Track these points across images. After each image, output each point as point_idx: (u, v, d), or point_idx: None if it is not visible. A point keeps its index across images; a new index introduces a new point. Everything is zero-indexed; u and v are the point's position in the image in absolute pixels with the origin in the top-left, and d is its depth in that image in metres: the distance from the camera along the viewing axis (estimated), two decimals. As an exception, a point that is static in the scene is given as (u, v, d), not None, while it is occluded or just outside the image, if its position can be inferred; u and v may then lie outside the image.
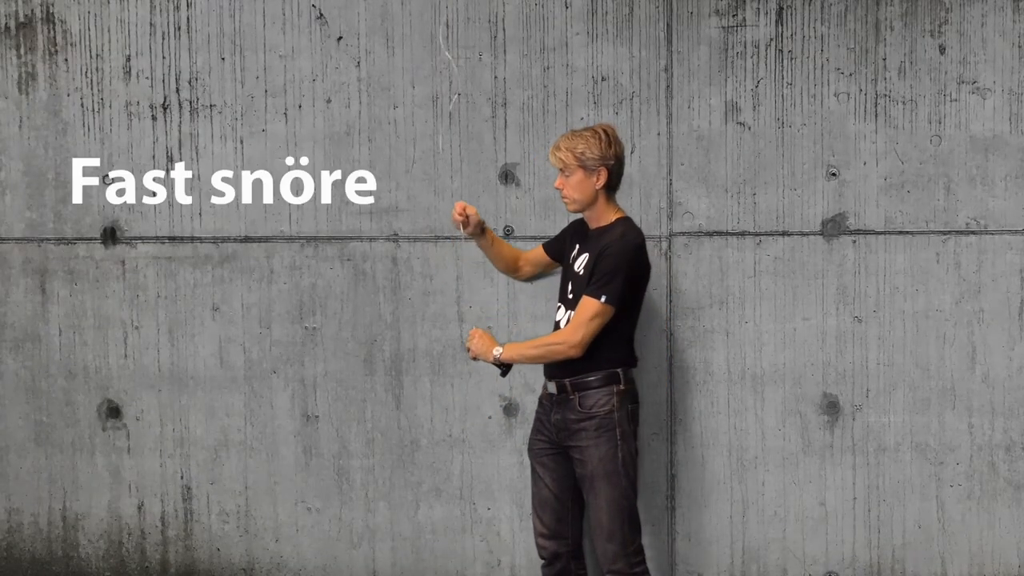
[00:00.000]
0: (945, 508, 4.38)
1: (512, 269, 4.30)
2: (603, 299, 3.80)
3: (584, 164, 3.88)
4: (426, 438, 4.52)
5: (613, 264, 3.81)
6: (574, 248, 4.02)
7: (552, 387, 3.98)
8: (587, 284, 3.85)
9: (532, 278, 4.36)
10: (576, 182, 3.90)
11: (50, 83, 4.57)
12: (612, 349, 3.90)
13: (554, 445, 3.99)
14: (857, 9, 4.33)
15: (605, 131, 3.91)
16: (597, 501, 3.88)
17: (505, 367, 3.98)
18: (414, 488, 4.54)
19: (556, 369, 3.95)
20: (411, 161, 4.48)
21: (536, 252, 4.27)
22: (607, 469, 3.86)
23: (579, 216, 4.06)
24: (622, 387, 3.91)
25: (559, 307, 4.02)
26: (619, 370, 3.91)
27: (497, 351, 3.92)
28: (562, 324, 3.94)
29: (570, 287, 3.97)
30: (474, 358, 3.99)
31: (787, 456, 4.40)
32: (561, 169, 3.92)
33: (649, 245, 4.41)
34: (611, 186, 3.93)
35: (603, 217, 3.95)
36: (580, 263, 3.94)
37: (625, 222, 3.94)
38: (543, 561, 4.08)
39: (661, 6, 4.37)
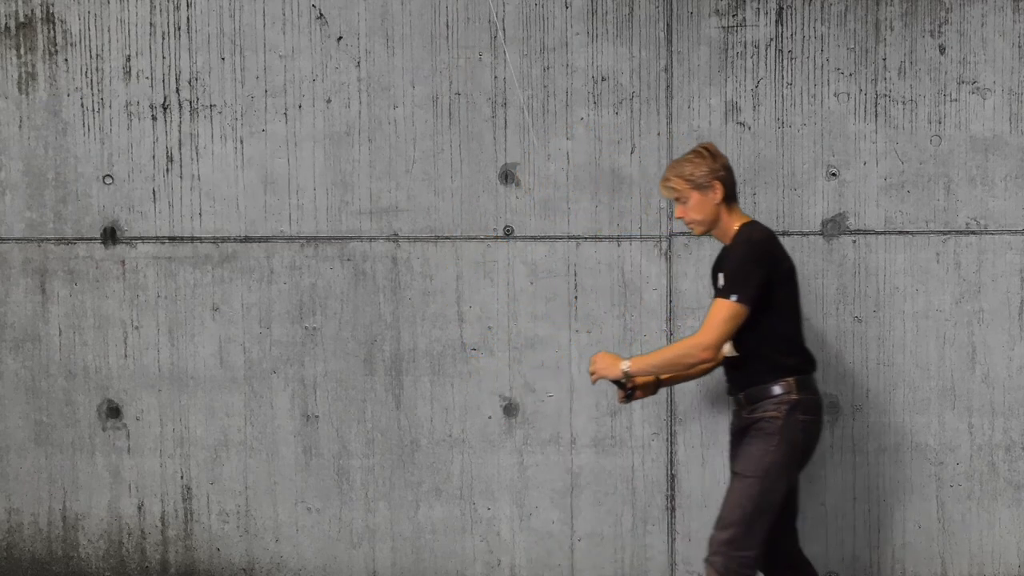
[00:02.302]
0: (945, 508, 4.38)
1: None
2: (733, 298, 3.69)
3: (696, 184, 3.80)
4: (426, 438, 4.52)
5: (740, 262, 3.73)
6: (716, 275, 3.89)
7: (732, 402, 3.91)
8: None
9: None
10: (695, 204, 3.82)
11: (50, 83, 4.58)
12: (781, 356, 3.79)
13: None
14: (857, 9, 4.33)
15: (705, 148, 3.86)
16: (728, 492, 3.78)
17: (630, 390, 3.89)
18: (414, 488, 4.54)
19: (733, 384, 3.87)
20: (411, 161, 4.49)
21: None
22: (746, 468, 3.75)
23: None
24: (795, 396, 3.75)
25: None
26: (792, 379, 3.76)
27: (625, 365, 3.81)
28: (725, 349, 3.83)
29: None
30: (595, 381, 3.90)
31: (787, 456, 4.40)
32: (677, 199, 3.85)
33: (649, 245, 4.42)
34: (729, 197, 3.84)
35: (729, 228, 3.85)
36: (721, 283, 3.82)
37: (749, 225, 3.84)
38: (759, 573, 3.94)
39: (661, 6, 4.37)
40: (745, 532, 3.72)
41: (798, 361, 3.80)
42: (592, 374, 3.88)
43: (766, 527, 3.75)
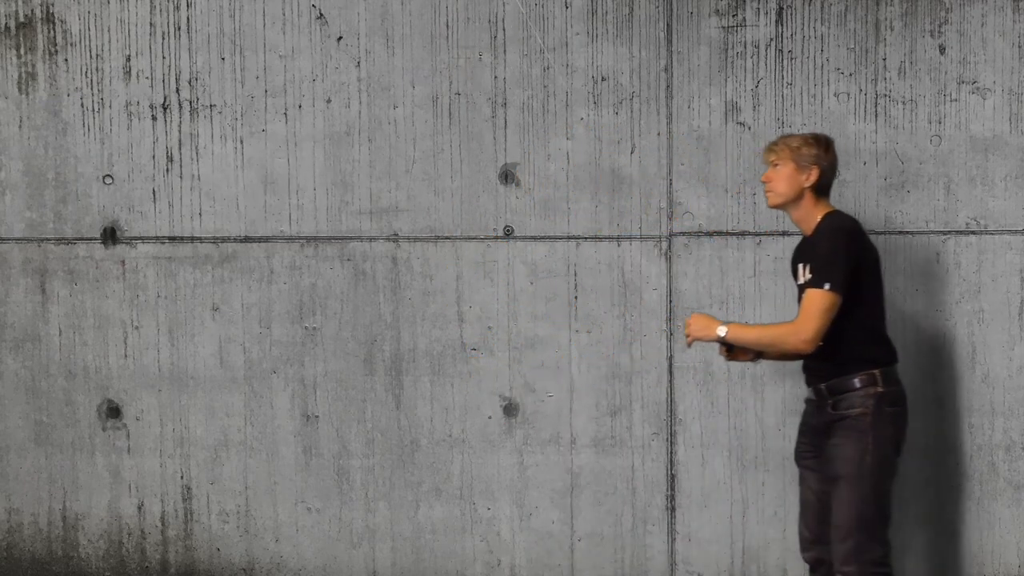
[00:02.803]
0: (945, 508, 4.38)
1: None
2: (827, 287, 3.65)
3: (797, 159, 3.79)
4: (426, 438, 4.52)
5: (828, 250, 3.70)
6: (797, 267, 3.90)
7: (811, 393, 3.87)
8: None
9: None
10: (786, 175, 3.81)
11: (50, 83, 4.58)
12: (866, 347, 3.76)
13: (816, 449, 3.87)
14: (857, 9, 4.33)
15: (824, 137, 3.86)
16: (837, 501, 3.75)
17: (730, 347, 3.86)
18: (414, 488, 4.54)
19: (813, 375, 3.84)
20: (411, 161, 4.49)
21: None
22: (849, 471, 3.71)
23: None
24: (880, 389, 3.72)
25: None
26: (876, 371, 3.74)
27: (722, 331, 3.78)
28: None
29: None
30: (690, 344, 3.88)
31: (787, 456, 4.39)
32: (773, 162, 3.84)
33: (649, 245, 4.42)
34: (819, 189, 3.82)
35: (811, 217, 3.83)
36: (806, 273, 3.80)
37: (834, 214, 3.83)
38: (808, 567, 3.95)
39: (661, 6, 4.37)
40: (868, 536, 3.71)
41: (882, 352, 3.78)
42: (687, 336, 3.85)
43: (887, 526, 3.75)
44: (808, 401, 3.92)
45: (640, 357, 4.43)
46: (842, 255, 3.68)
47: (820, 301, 3.67)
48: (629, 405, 4.43)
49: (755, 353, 3.92)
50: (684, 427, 4.44)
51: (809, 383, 3.88)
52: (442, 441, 4.52)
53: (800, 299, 3.80)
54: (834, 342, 3.74)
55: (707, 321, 3.83)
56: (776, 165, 3.83)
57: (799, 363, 4.38)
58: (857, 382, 3.73)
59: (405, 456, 4.53)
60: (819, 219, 3.81)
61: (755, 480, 4.42)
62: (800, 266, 3.83)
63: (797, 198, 3.82)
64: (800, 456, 3.96)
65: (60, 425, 4.64)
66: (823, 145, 3.83)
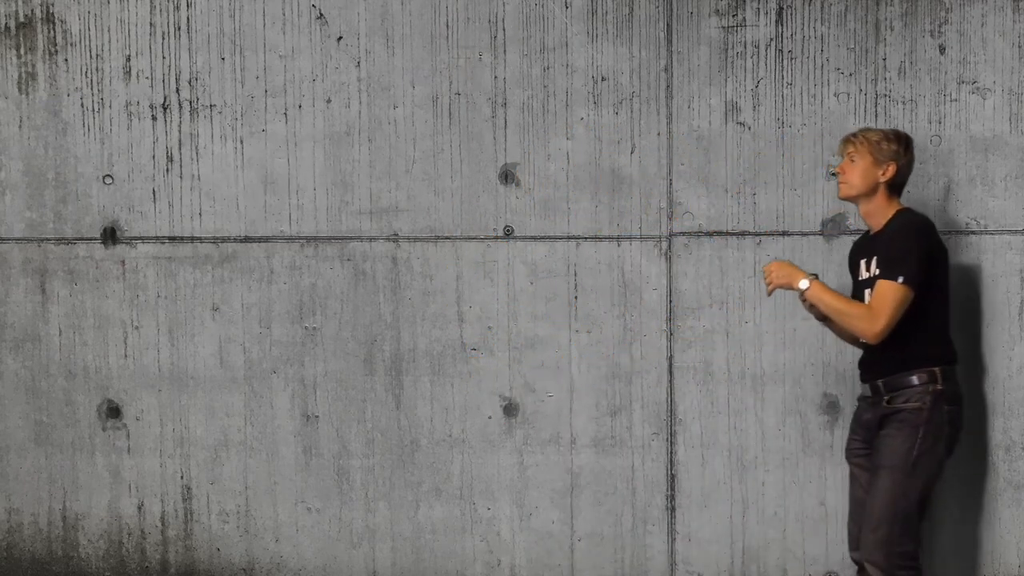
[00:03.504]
0: (945, 508, 4.38)
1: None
2: (900, 279, 3.66)
3: (875, 153, 3.80)
4: (426, 438, 4.52)
5: (903, 243, 3.70)
6: (859, 263, 3.91)
7: (866, 389, 3.86)
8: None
9: None
10: (862, 168, 3.81)
11: (50, 83, 4.58)
12: (927, 344, 3.74)
13: (867, 445, 3.87)
14: (857, 9, 4.33)
15: (905, 135, 3.87)
16: (875, 489, 3.74)
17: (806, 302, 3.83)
18: (414, 488, 4.54)
19: (870, 371, 3.84)
20: (411, 161, 4.49)
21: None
22: (893, 462, 3.70)
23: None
24: (939, 387, 3.72)
25: None
26: (936, 369, 3.73)
27: (804, 284, 3.74)
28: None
29: (867, 296, 3.84)
30: (771, 292, 3.84)
31: (787, 456, 4.40)
32: (850, 155, 3.84)
33: (649, 245, 4.42)
34: (894, 185, 3.84)
35: (881, 213, 3.84)
36: (872, 269, 3.81)
37: (907, 210, 3.83)
38: (856, 567, 3.93)
39: (661, 6, 4.37)
40: (901, 529, 3.69)
41: (944, 350, 3.78)
42: (768, 284, 3.82)
43: (920, 520, 3.73)
44: (862, 398, 3.92)
45: (640, 357, 4.43)
46: (916, 250, 3.69)
47: (893, 293, 3.67)
48: (629, 405, 4.43)
49: (821, 313, 3.90)
50: (684, 427, 4.44)
51: (865, 379, 3.87)
52: (442, 441, 4.52)
53: (857, 296, 3.83)
54: (897, 337, 3.72)
55: (790, 270, 3.79)
56: (853, 158, 3.83)
57: (799, 363, 4.38)
58: (916, 379, 3.73)
59: (405, 456, 4.53)
60: (891, 215, 3.82)
61: (755, 480, 4.42)
62: (863, 261, 3.84)
63: (871, 192, 3.83)
64: (851, 453, 3.96)
65: (60, 425, 4.64)
66: (903, 142, 3.84)
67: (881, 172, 3.82)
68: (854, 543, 3.92)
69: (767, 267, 3.85)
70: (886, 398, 3.77)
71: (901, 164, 3.83)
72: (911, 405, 3.72)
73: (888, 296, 3.67)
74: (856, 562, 3.92)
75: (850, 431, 4.00)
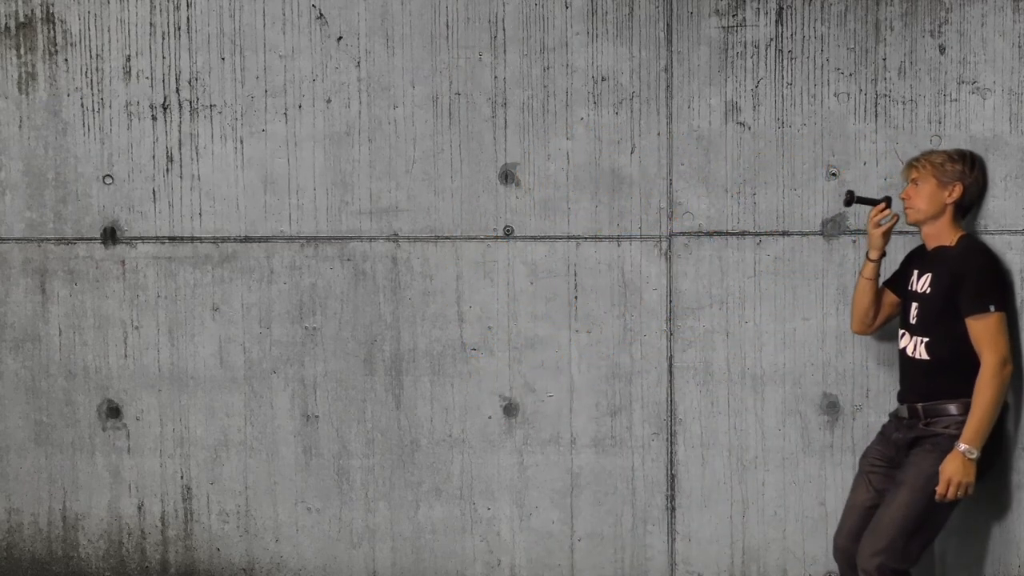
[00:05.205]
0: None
1: (870, 319, 4.06)
2: (992, 308, 3.69)
3: (939, 175, 3.81)
4: (426, 438, 4.52)
5: (982, 271, 3.74)
6: (911, 274, 3.92)
7: (902, 410, 3.87)
8: (945, 304, 3.72)
9: (882, 325, 4.12)
10: (928, 192, 3.83)
11: (50, 83, 4.58)
12: (974, 371, 3.73)
13: (888, 462, 3.88)
14: (857, 9, 4.33)
15: (971, 154, 3.89)
16: (891, 500, 3.74)
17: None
18: (414, 488, 4.54)
19: (912, 392, 3.84)
20: (411, 161, 4.49)
21: (884, 292, 4.07)
22: (917, 482, 3.71)
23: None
24: None
25: (903, 334, 3.93)
26: None
27: (973, 453, 3.66)
28: (908, 351, 3.86)
29: (914, 311, 3.86)
30: (957, 497, 3.70)
31: (787, 456, 4.40)
32: (914, 179, 3.85)
33: (649, 245, 4.42)
34: (962, 206, 3.85)
35: (945, 235, 3.85)
36: (924, 284, 3.83)
37: (971, 237, 3.87)
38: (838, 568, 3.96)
39: (661, 6, 4.37)
40: (904, 544, 3.70)
41: None
42: (962, 493, 3.69)
43: (924, 546, 3.73)
44: (896, 416, 3.92)
45: (640, 357, 4.43)
46: (995, 275, 3.78)
47: (992, 326, 3.70)
48: (629, 405, 4.43)
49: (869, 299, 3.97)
50: (684, 427, 4.44)
51: (903, 399, 3.86)
52: (442, 441, 4.52)
53: (912, 310, 3.84)
54: (945, 361, 3.75)
55: (956, 468, 3.64)
56: (917, 182, 3.84)
57: (799, 363, 4.38)
58: (954, 408, 3.74)
59: (405, 456, 4.53)
60: (956, 239, 3.84)
61: (755, 480, 4.42)
62: (916, 272, 3.84)
63: (938, 215, 3.85)
64: (867, 460, 3.97)
65: (60, 425, 4.64)
66: (968, 161, 3.85)
67: (947, 193, 3.82)
68: (838, 545, 3.95)
69: (943, 489, 3.68)
70: (923, 422, 3.78)
71: (967, 184, 3.84)
72: (950, 431, 3.74)
73: (988, 331, 3.70)
74: (838, 551, 3.94)
75: (875, 440, 4.01)
